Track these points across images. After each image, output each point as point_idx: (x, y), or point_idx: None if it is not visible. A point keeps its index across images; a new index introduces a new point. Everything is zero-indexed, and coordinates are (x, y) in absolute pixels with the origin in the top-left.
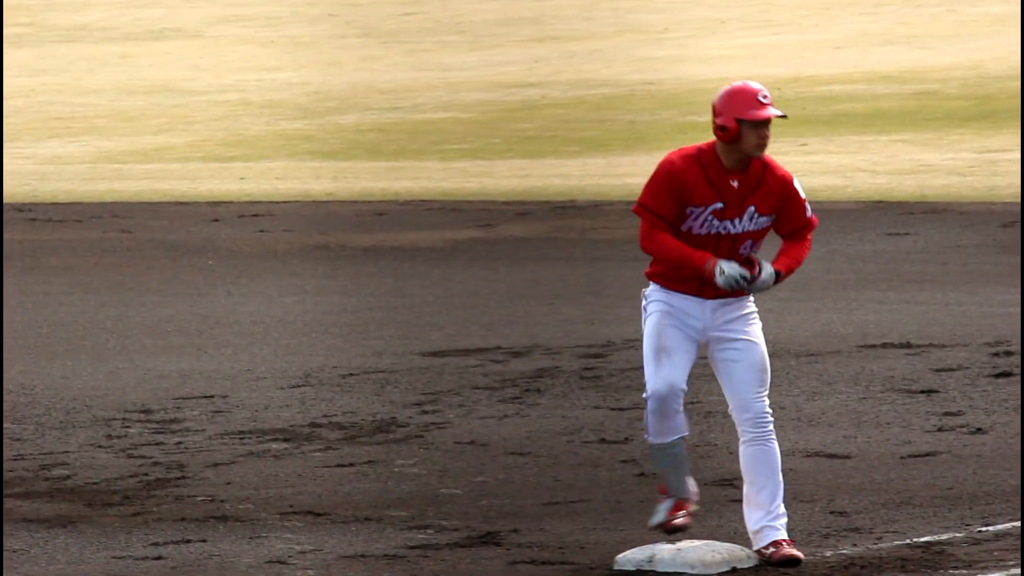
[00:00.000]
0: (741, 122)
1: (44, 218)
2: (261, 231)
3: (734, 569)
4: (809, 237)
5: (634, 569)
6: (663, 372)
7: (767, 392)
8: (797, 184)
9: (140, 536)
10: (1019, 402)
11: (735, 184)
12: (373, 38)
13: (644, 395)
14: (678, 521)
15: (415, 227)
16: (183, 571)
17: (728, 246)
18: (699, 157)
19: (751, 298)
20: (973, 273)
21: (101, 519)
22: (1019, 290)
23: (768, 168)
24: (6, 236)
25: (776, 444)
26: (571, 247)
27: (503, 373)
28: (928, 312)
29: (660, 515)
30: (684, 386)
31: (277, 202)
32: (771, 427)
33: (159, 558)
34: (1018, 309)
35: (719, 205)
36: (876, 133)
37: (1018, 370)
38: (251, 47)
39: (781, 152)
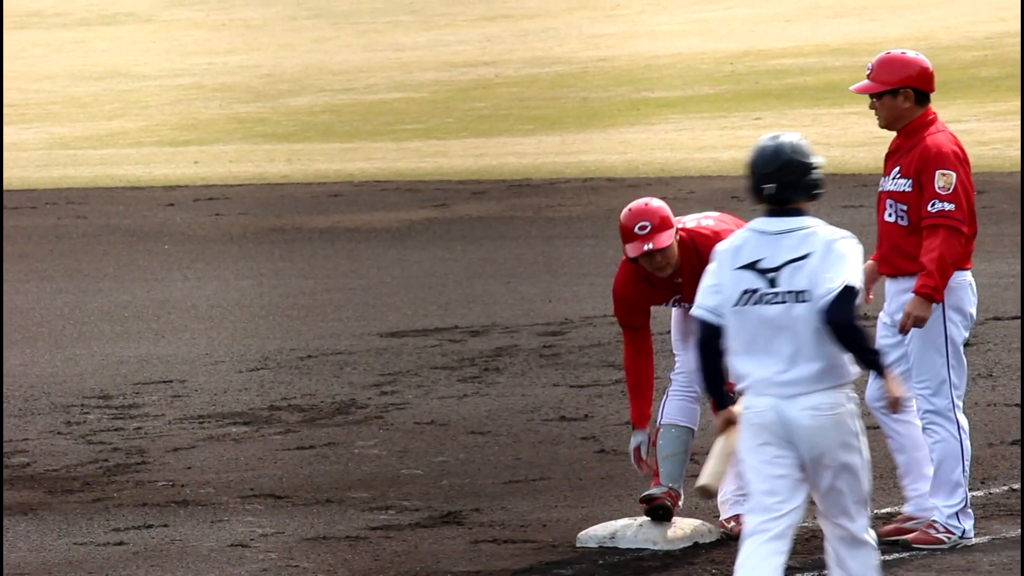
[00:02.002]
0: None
1: None
2: (216, 215)
3: (696, 544)
4: None
5: (596, 546)
6: (691, 354)
7: None
8: None
9: (101, 522)
10: (979, 371)
11: (679, 280)
12: (325, 19)
13: (671, 374)
14: (668, 502)
15: (370, 208)
16: (145, 556)
17: None
18: (638, 269)
19: None
20: None
21: (62, 506)
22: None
23: (701, 254)
24: None
25: None
26: (527, 225)
27: (461, 352)
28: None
29: (653, 491)
30: None
31: (232, 185)
32: None
33: (121, 544)
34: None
35: (677, 296)
36: (829, 106)
37: (974, 340)
38: (203, 31)
39: (735, 127)
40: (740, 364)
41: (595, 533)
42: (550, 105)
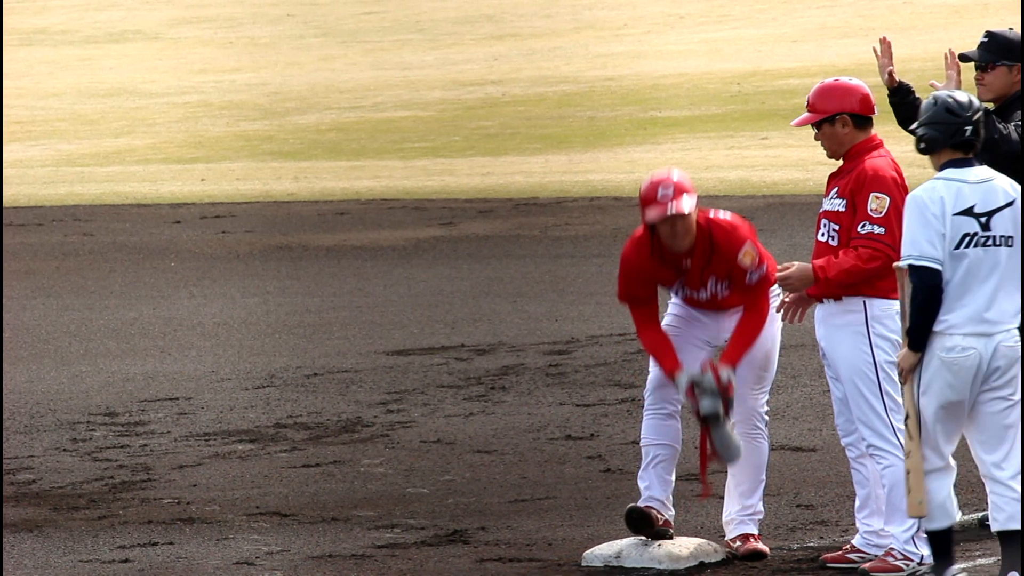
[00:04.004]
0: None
1: (5, 222)
2: (223, 232)
3: (702, 563)
4: (760, 307)
5: (602, 565)
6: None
7: (764, 390)
8: (745, 252)
9: (107, 539)
10: None
11: (687, 263)
12: (332, 38)
13: (644, 393)
14: (646, 510)
15: (377, 226)
16: (150, 574)
17: (711, 303)
18: (651, 243)
19: (775, 292)
20: None
21: (67, 523)
22: None
23: (714, 242)
24: None
25: (765, 443)
26: (534, 244)
27: (468, 371)
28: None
29: (636, 505)
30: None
31: (238, 203)
32: (762, 425)
33: (126, 561)
34: None
35: (681, 280)
36: None
37: None
38: (210, 48)
39: (742, 146)
40: (947, 306)
41: (601, 552)
42: (557, 124)
